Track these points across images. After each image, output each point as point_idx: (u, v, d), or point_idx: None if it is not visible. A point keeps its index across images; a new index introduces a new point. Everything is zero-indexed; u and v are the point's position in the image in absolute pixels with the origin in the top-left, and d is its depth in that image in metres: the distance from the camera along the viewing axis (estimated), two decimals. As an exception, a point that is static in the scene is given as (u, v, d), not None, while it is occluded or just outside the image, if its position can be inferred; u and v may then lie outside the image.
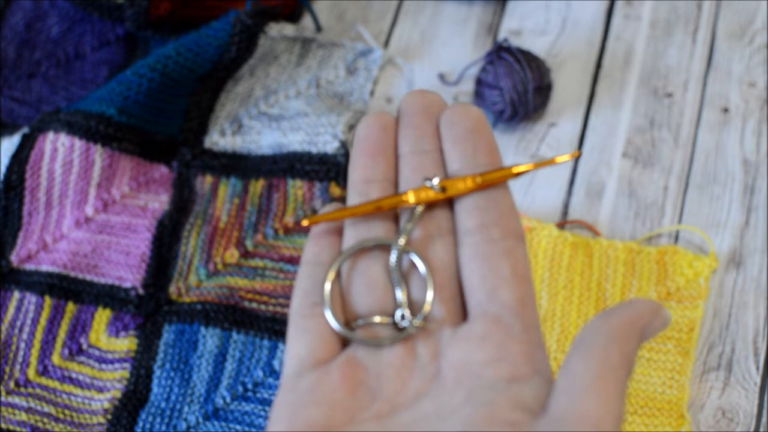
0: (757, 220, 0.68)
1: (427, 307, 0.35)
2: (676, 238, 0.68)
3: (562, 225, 0.69)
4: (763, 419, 0.62)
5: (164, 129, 0.72)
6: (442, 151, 0.38)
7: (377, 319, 0.36)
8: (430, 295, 0.36)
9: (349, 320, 0.36)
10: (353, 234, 0.37)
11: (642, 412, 0.62)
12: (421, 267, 0.36)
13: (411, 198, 0.37)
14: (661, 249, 0.67)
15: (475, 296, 0.35)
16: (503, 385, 0.33)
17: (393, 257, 0.36)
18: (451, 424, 0.32)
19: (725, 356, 0.64)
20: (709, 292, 0.66)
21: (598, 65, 0.76)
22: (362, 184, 0.38)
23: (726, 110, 0.73)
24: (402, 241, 0.36)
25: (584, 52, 0.77)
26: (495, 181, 0.37)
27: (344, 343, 0.36)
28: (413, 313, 0.36)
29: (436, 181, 0.37)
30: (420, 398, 0.34)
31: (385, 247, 0.37)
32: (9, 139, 0.71)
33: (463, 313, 0.36)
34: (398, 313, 0.36)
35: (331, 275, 0.36)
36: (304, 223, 0.37)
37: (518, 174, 0.37)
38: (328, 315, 0.36)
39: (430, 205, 0.37)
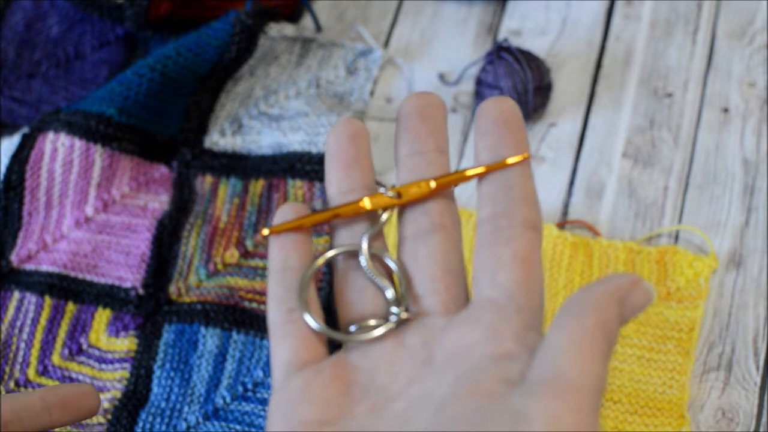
0: (757, 220, 0.68)
1: (399, 308, 0.36)
2: (676, 238, 0.68)
3: (562, 225, 0.69)
4: (763, 419, 0.62)
5: (164, 129, 0.72)
6: (441, 151, 0.39)
7: (372, 322, 0.37)
8: (392, 290, 0.37)
9: (344, 325, 0.37)
10: (335, 240, 0.39)
11: (642, 412, 0.62)
12: (392, 265, 0.37)
13: (367, 204, 0.38)
14: (661, 249, 0.67)
15: (477, 283, 0.36)
16: (489, 362, 0.33)
17: (362, 261, 0.37)
18: (438, 401, 0.33)
19: (725, 356, 0.64)
20: (709, 292, 0.66)
21: (598, 65, 0.76)
22: (340, 196, 0.39)
23: (726, 110, 0.73)
24: (365, 244, 0.37)
25: (584, 52, 0.77)
26: (447, 184, 0.37)
27: (331, 344, 0.37)
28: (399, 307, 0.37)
29: (388, 188, 0.38)
30: (412, 385, 0.34)
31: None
32: (9, 139, 0.71)
33: (466, 301, 0.37)
34: (390, 311, 0.37)
35: (304, 281, 0.37)
36: (264, 232, 0.38)
37: (471, 177, 0.37)
38: (307, 317, 0.36)
39: (424, 200, 0.38)
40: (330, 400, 0.35)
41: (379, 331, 0.36)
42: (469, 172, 0.37)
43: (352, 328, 0.37)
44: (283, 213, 0.38)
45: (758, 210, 0.69)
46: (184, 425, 0.62)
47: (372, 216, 0.39)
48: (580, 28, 0.78)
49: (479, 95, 0.72)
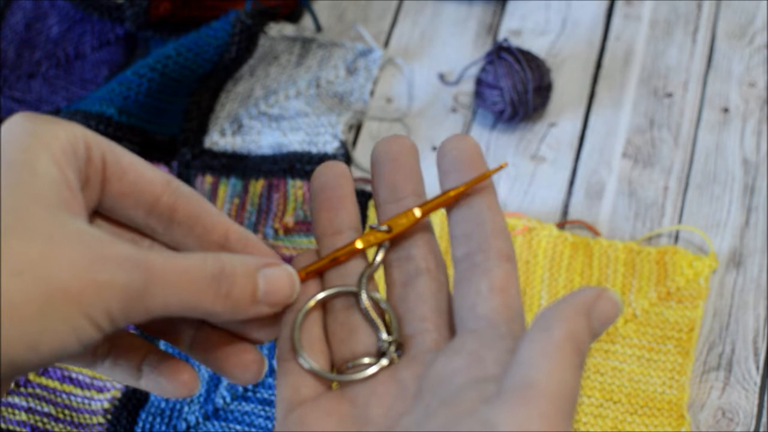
0: (757, 220, 0.68)
1: (391, 348, 0.38)
2: (676, 238, 0.68)
3: (562, 225, 0.69)
4: (763, 419, 0.62)
5: (164, 129, 0.72)
6: (417, 194, 0.41)
7: (365, 360, 0.38)
8: (386, 330, 0.39)
9: (338, 363, 0.39)
10: (331, 279, 0.41)
11: (642, 412, 0.62)
12: (384, 306, 0.39)
13: (359, 244, 0.40)
14: (661, 249, 0.67)
15: (459, 316, 0.38)
16: (471, 384, 0.34)
17: (362, 303, 0.39)
18: (421, 423, 0.34)
19: (725, 356, 0.64)
20: (709, 292, 0.66)
21: (598, 65, 0.76)
22: (329, 237, 0.41)
23: (726, 110, 0.73)
24: (364, 286, 0.39)
25: (584, 52, 0.77)
26: (432, 209, 0.40)
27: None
28: (392, 347, 0.39)
29: (379, 224, 0.40)
30: (402, 417, 0.36)
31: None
32: (9, 139, 0.71)
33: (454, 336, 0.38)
34: (383, 350, 0.39)
35: (299, 321, 0.39)
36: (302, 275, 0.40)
37: (453, 198, 0.39)
38: (302, 359, 0.39)
39: (407, 248, 0.40)
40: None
41: (371, 370, 0.38)
42: (452, 193, 0.39)
43: (349, 366, 0.39)
44: (301, 260, 0.41)
45: (758, 210, 0.69)
46: (184, 425, 0.62)
47: (362, 253, 0.40)
48: (580, 28, 0.78)
49: (479, 95, 0.72)
